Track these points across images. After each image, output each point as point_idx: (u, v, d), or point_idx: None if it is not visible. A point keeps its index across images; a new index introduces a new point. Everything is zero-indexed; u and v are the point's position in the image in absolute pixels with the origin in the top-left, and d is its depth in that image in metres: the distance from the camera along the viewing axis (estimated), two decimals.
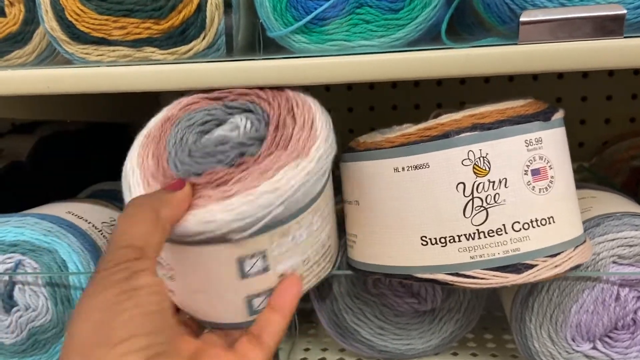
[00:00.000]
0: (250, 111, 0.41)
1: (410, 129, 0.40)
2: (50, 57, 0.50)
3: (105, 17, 0.44)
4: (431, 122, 0.39)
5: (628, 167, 0.74)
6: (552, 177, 0.39)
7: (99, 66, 0.45)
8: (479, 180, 0.37)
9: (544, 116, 0.39)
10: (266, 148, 0.37)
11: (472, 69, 0.40)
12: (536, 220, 0.38)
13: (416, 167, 0.38)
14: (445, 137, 0.38)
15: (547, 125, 0.39)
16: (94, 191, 0.72)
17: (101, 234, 0.56)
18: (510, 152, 0.38)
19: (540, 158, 0.38)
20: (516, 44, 0.40)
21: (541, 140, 0.39)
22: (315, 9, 0.44)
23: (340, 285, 0.51)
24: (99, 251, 0.54)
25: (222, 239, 0.34)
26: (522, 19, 0.39)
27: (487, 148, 0.38)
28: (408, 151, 0.38)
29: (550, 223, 0.38)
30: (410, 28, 0.44)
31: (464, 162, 0.37)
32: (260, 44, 0.49)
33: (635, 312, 0.44)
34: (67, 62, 0.47)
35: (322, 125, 0.38)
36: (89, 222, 0.56)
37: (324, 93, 0.87)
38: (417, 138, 0.39)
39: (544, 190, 0.38)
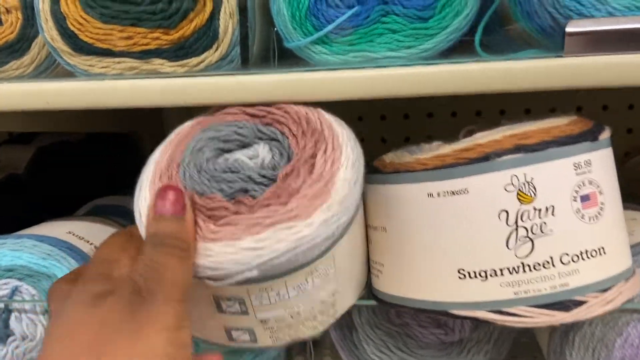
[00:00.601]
0: (277, 140, 0.38)
1: (444, 149, 0.37)
2: (50, 68, 0.47)
3: (111, 26, 0.40)
4: (468, 143, 0.36)
5: None
6: (602, 203, 0.35)
7: (103, 79, 0.41)
8: (524, 207, 0.34)
9: (592, 136, 0.36)
10: (267, 196, 0.33)
11: (513, 84, 0.37)
12: (586, 252, 0.34)
13: (453, 192, 0.35)
14: (485, 159, 0.34)
15: (596, 146, 0.36)
16: (95, 206, 0.69)
17: None
18: (558, 176, 0.34)
19: (590, 182, 0.35)
20: (561, 56, 0.36)
21: (590, 163, 0.35)
22: (337, 17, 0.40)
23: (360, 314, 0.47)
24: None
25: (199, 276, 0.33)
26: (568, 29, 0.36)
27: (532, 172, 0.34)
28: (444, 175, 0.35)
29: (601, 254, 0.34)
30: (440, 38, 0.40)
31: (507, 188, 0.34)
32: (275, 54, 0.45)
33: None
34: (68, 73, 0.44)
35: (344, 182, 0.33)
36: (91, 244, 0.53)
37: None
38: (454, 160, 0.35)
39: (594, 218, 0.35)
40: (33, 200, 0.75)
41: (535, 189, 0.34)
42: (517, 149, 0.34)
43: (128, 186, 0.87)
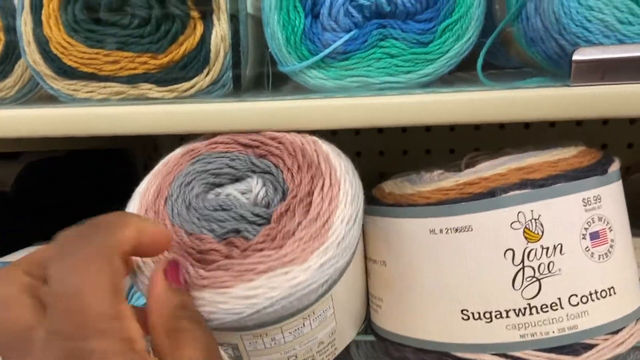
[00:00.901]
0: (271, 174, 0.36)
1: (446, 181, 0.35)
2: (34, 90, 0.45)
3: (96, 50, 0.39)
4: (472, 176, 0.34)
5: None
6: (612, 240, 0.34)
7: (88, 106, 0.39)
8: (531, 246, 0.32)
9: (601, 169, 0.34)
10: (260, 239, 0.31)
11: (518, 115, 0.35)
12: (595, 293, 0.32)
13: (456, 229, 0.33)
14: (490, 195, 0.33)
15: (605, 180, 0.34)
16: None
17: None
18: (567, 213, 0.33)
19: (600, 219, 0.33)
20: (568, 85, 0.35)
21: (600, 198, 0.34)
22: (334, 41, 0.39)
23: (358, 348, 0.45)
24: None
25: None
26: (575, 57, 0.34)
27: (539, 208, 0.32)
28: (447, 211, 0.33)
29: (610, 295, 0.33)
30: (440, 63, 0.39)
31: (513, 225, 0.32)
32: (270, 78, 0.44)
33: None
34: (52, 97, 0.42)
35: (342, 222, 0.32)
36: None
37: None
38: (457, 195, 0.33)
39: (604, 256, 0.33)
40: (21, 219, 0.73)
41: (542, 226, 0.32)
42: (524, 184, 0.33)
43: (120, 202, 0.85)
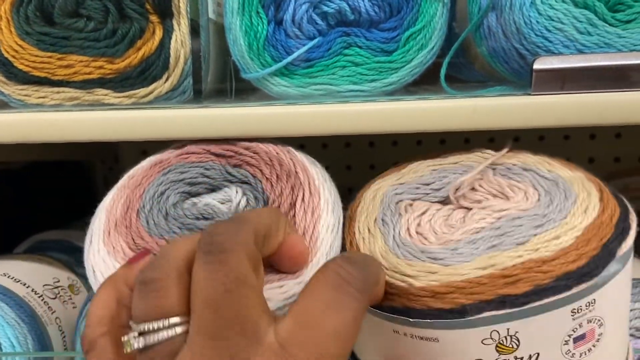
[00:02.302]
0: (249, 184, 0.35)
1: (412, 283, 0.29)
2: None
3: (49, 54, 0.37)
4: (440, 284, 0.28)
5: None
6: (600, 334, 0.29)
7: (41, 111, 0.38)
8: (503, 357, 0.28)
9: (603, 262, 0.28)
10: None
11: (479, 122, 0.35)
12: None
13: (421, 337, 0.29)
14: (460, 314, 0.28)
15: (608, 277, 0.28)
16: (37, 242, 0.64)
17: (42, 299, 0.48)
18: (549, 327, 0.28)
19: (589, 321, 0.29)
20: (529, 94, 0.35)
21: (594, 302, 0.28)
22: (297, 48, 0.38)
23: None
24: (37, 322, 0.46)
25: None
26: (535, 66, 0.34)
27: (517, 326, 0.28)
28: (411, 323, 0.29)
29: None
30: (404, 72, 0.39)
31: (484, 342, 0.28)
32: (232, 84, 0.43)
33: None
34: (2, 103, 0.40)
35: (327, 230, 0.31)
36: (28, 287, 0.48)
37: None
38: (424, 307, 0.29)
39: (586, 353, 0.29)
40: None
41: (518, 341, 0.28)
42: (502, 301, 0.27)
43: (78, 215, 0.82)
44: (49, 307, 0.48)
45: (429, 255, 0.29)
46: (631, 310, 0.39)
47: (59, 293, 0.50)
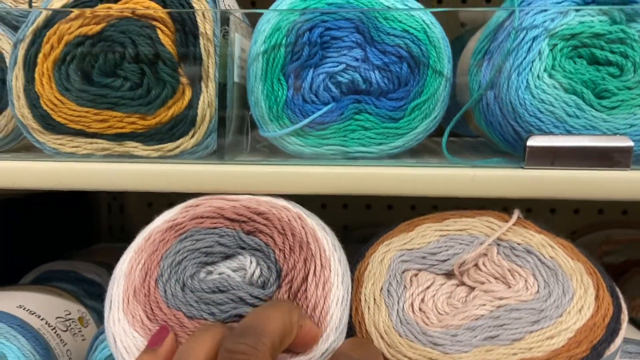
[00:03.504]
0: (262, 251, 0.37)
1: None
2: (16, 140, 0.46)
3: (86, 109, 0.40)
4: None
5: (599, 263, 0.74)
6: None
7: (72, 160, 0.41)
8: None
9: None
10: None
11: (476, 191, 0.38)
12: None
13: None
14: None
15: None
16: (44, 272, 0.65)
17: (55, 332, 0.51)
18: None
19: None
20: (522, 167, 0.39)
21: None
22: (313, 112, 0.42)
23: None
24: (51, 354, 0.48)
25: None
26: (529, 143, 0.38)
27: None
28: None
29: None
30: (409, 137, 0.42)
31: None
32: (249, 140, 0.46)
33: None
34: (33, 146, 0.43)
35: (337, 304, 0.34)
36: (42, 319, 0.50)
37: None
38: None
39: None
40: None
41: None
42: None
43: (80, 245, 0.84)
44: (61, 340, 0.50)
45: (430, 340, 0.32)
46: None
47: (70, 325, 0.53)
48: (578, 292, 0.33)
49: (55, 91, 0.40)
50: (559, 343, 0.31)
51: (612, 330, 0.31)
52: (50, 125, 0.41)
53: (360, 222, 0.87)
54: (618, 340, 0.31)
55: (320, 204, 0.89)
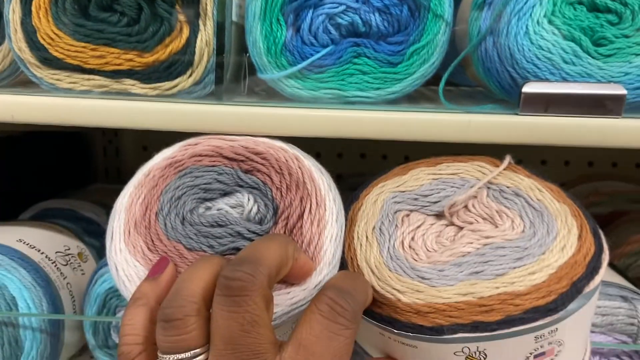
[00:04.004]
0: (259, 190, 0.38)
1: (399, 297, 0.34)
2: (13, 75, 0.45)
3: (83, 44, 0.40)
4: (423, 303, 0.33)
5: None
6: (559, 351, 0.33)
7: (71, 96, 0.41)
8: None
9: (569, 299, 0.32)
10: None
11: (470, 136, 0.39)
12: None
13: (403, 343, 0.34)
14: (437, 332, 0.32)
15: (572, 310, 0.32)
16: (42, 209, 0.67)
17: (55, 265, 0.52)
18: (514, 347, 0.32)
19: (550, 343, 0.33)
20: (517, 113, 0.39)
21: (556, 330, 0.32)
22: (312, 54, 0.42)
23: None
24: (51, 286, 0.50)
25: None
26: (524, 90, 0.39)
27: (486, 345, 0.32)
28: (395, 331, 0.33)
29: None
30: (407, 83, 0.43)
31: (456, 353, 0.32)
32: (246, 82, 0.46)
33: None
34: (31, 82, 0.43)
35: (331, 240, 0.35)
36: (42, 253, 0.52)
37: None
38: (407, 320, 0.33)
39: None
40: None
41: (486, 355, 0.32)
42: (475, 326, 0.31)
43: (76, 185, 0.84)
44: (61, 273, 0.52)
45: (418, 274, 0.34)
46: None
47: (69, 260, 0.54)
48: (562, 232, 0.34)
49: (52, 25, 0.40)
50: (541, 278, 0.32)
51: (593, 268, 0.33)
52: (47, 59, 0.41)
53: (355, 172, 0.89)
54: (598, 278, 0.33)
55: (315, 153, 0.89)
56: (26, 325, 0.47)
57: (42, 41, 0.40)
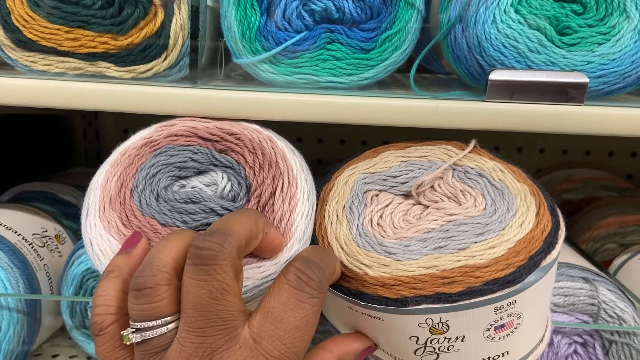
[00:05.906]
0: (233, 169, 0.38)
1: (367, 271, 0.35)
2: None
3: (57, 26, 0.40)
4: (389, 276, 0.34)
5: (560, 199, 0.78)
6: (518, 324, 0.35)
7: (46, 78, 0.41)
8: (435, 337, 0.34)
9: (527, 272, 0.33)
10: None
11: (439, 122, 0.40)
12: (489, 358, 0.36)
13: (369, 315, 0.35)
14: (402, 304, 0.33)
15: (530, 283, 0.33)
16: (20, 192, 0.66)
17: (32, 247, 0.52)
18: (475, 319, 0.34)
19: (509, 315, 0.34)
20: (483, 100, 0.40)
21: (515, 302, 0.34)
22: (286, 40, 0.43)
23: None
24: (28, 267, 0.50)
25: None
26: (491, 77, 0.40)
27: (448, 316, 0.33)
28: (361, 304, 0.35)
29: (504, 355, 0.36)
30: (379, 69, 0.44)
31: (420, 324, 0.34)
32: (222, 66, 0.47)
33: (566, 359, 0.47)
34: (6, 64, 0.43)
35: (302, 218, 0.36)
36: (19, 234, 0.52)
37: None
38: (373, 293, 0.34)
39: (505, 337, 0.35)
40: None
41: (448, 326, 0.34)
42: (438, 297, 0.33)
43: (55, 167, 0.84)
44: (38, 255, 0.52)
45: (385, 249, 0.35)
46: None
47: (46, 242, 0.54)
48: (521, 210, 0.36)
49: (26, 7, 0.40)
50: (500, 252, 0.33)
51: (549, 243, 0.34)
52: (21, 41, 0.41)
53: (335, 157, 0.90)
54: (554, 253, 0.34)
55: (295, 138, 0.90)
56: (3, 305, 0.48)
57: (16, 23, 0.40)
